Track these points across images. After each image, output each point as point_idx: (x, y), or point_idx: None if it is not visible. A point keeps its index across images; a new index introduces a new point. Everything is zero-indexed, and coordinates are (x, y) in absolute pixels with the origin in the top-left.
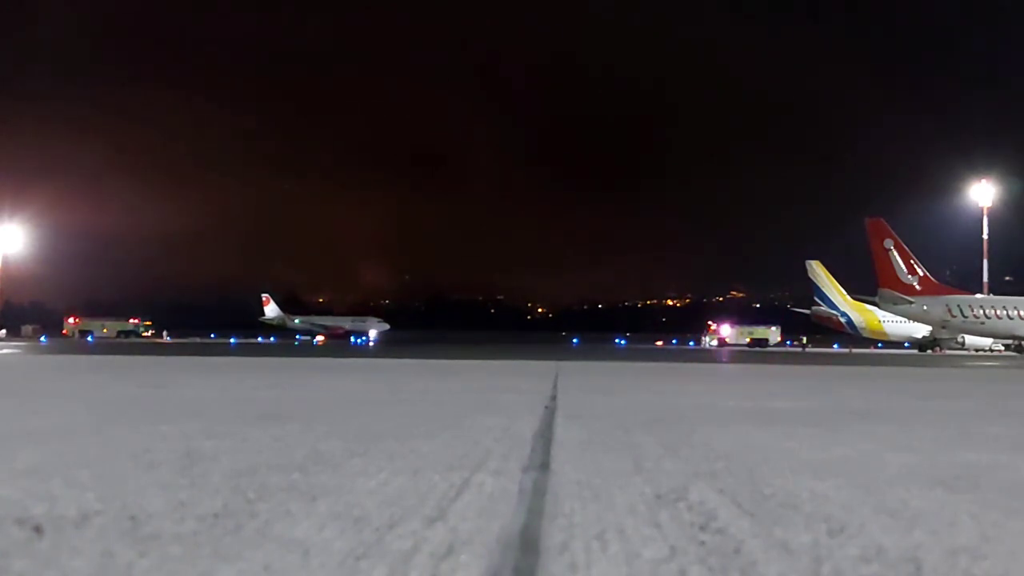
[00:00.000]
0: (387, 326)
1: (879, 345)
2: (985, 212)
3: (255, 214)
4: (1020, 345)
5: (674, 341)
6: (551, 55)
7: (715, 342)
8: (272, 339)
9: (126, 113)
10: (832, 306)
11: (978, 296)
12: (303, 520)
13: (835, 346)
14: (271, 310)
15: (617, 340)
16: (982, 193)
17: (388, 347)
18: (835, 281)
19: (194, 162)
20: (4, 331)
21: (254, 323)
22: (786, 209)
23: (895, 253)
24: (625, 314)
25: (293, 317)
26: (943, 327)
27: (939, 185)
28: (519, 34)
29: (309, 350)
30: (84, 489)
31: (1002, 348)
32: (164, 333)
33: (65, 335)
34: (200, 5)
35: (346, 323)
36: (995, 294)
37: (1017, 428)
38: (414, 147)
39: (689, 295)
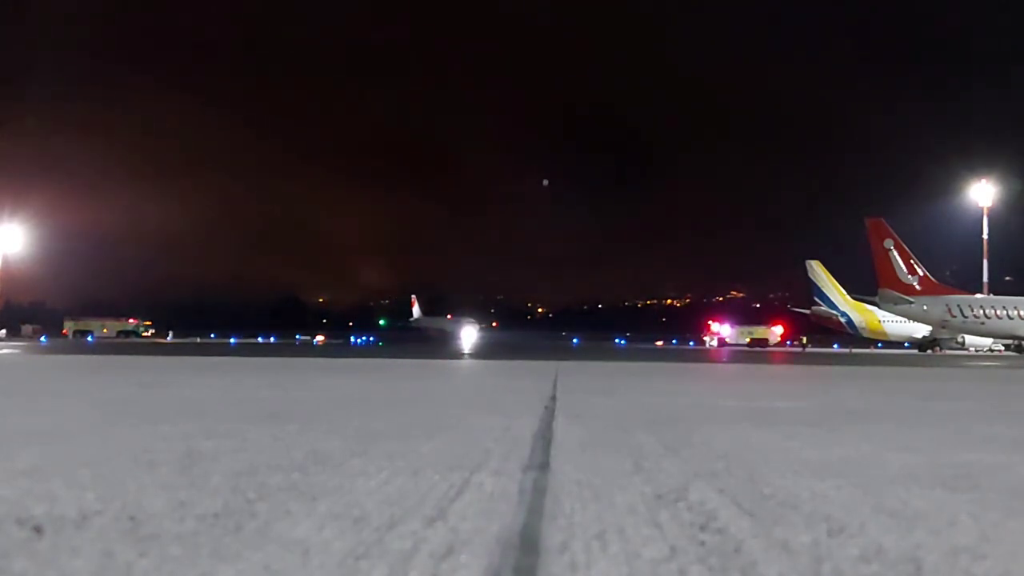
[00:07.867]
0: (478, 326)
1: (879, 345)
2: (985, 212)
3: (255, 214)
4: (1020, 345)
5: (674, 341)
6: (551, 53)
7: (715, 342)
8: (272, 339)
9: (126, 113)
10: (832, 306)
11: (978, 296)
12: (303, 520)
13: (835, 346)
14: (417, 311)
15: (617, 340)
16: (982, 193)
17: (388, 347)
18: (835, 281)
19: (194, 162)
20: (4, 331)
21: (254, 322)
22: (786, 209)
23: (895, 253)
24: (625, 314)
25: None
26: (943, 327)
27: (939, 185)
28: (519, 32)
29: (308, 350)
30: (84, 489)
31: (1002, 348)
32: (170, 333)
33: (65, 335)
34: (201, 5)
35: (443, 323)
36: (995, 294)
37: (1017, 428)
38: (415, 147)
39: (689, 295)
